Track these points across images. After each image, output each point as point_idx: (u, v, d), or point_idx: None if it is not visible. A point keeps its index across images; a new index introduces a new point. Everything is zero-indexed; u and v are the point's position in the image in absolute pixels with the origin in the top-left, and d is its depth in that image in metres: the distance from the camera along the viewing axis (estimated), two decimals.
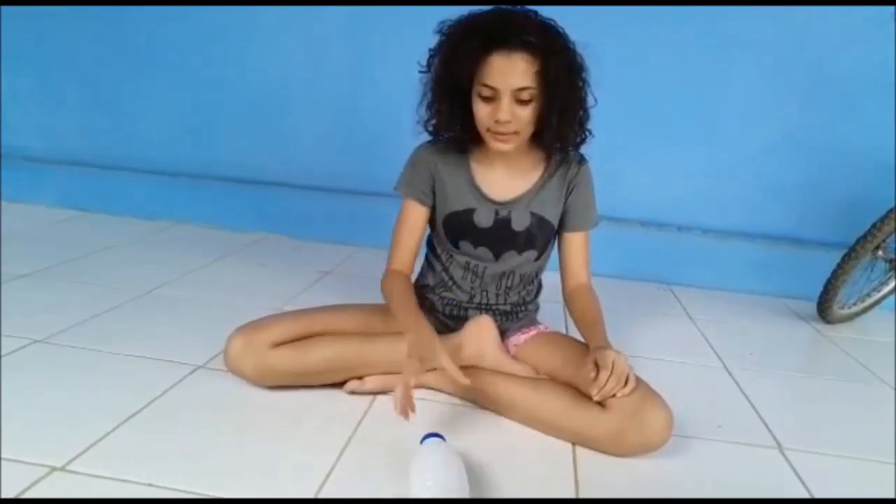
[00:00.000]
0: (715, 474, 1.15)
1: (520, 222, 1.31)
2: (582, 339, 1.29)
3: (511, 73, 1.12)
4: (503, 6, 1.18)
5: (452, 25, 1.19)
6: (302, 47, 2.47)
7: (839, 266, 1.96)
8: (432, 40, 1.21)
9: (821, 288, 2.01)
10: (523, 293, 1.41)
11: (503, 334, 1.38)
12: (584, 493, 1.05)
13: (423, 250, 1.43)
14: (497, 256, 1.33)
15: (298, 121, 2.53)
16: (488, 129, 1.19)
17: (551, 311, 1.51)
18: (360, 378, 1.30)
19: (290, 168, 2.58)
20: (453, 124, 1.24)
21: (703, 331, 1.93)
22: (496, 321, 1.36)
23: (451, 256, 1.36)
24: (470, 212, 1.31)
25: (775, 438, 1.30)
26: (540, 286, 1.46)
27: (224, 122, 2.59)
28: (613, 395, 1.12)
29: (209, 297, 1.81)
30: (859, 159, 2.25)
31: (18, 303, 1.63)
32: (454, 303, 1.38)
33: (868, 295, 2.12)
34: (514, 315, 1.41)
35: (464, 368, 1.29)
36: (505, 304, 1.39)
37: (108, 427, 1.10)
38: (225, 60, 2.53)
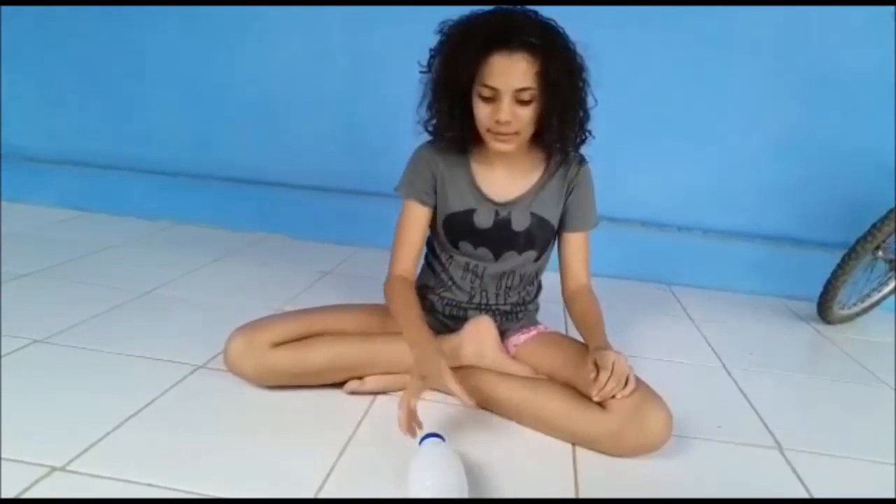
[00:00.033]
0: (715, 474, 1.15)
1: (520, 223, 1.31)
2: (582, 340, 1.29)
3: (512, 73, 1.12)
4: (504, 6, 1.18)
5: (453, 25, 1.19)
6: (302, 47, 2.47)
7: (839, 266, 1.96)
8: (433, 40, 1.21)
9: (821, 288, 2.02)
10: (523, 293, 1.41)
11: (503, 334, 1.38)
12: (584, 493, 1.05)
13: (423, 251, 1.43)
14: (497, 257, 1.33)
15: (298, 121, 2.53)
16: (489, 130, 1.19)
17: (551, 311, 1.51)
18: (360, 378, 1.30)
19: (290, 168, 2.58)
20: (453, 124, 1.24)
21: (703, 331, 1.93)
22: (496, 321, 1.36)
23: (450, 257, 1.36)
24: (470, 212, 1.31)
25: (775, 439, 1.30)
26: (540, 286, 1.46)
27: (224, 122, 2.59)
28: (613, 396, 1.12)
29: (209, 297, 1.81)
30: (859, 159, 2.25)
31: (18, 303, 1.63)
32: (454, 303, 1.38)
33: (868, 295, 2.12)
34: (513, 315, 1.41)
35: (463, 368, 1.30)
36: (505, 304, 1.39)
37: (108, 427, 1.10)
38: (225, 60, 2.54)
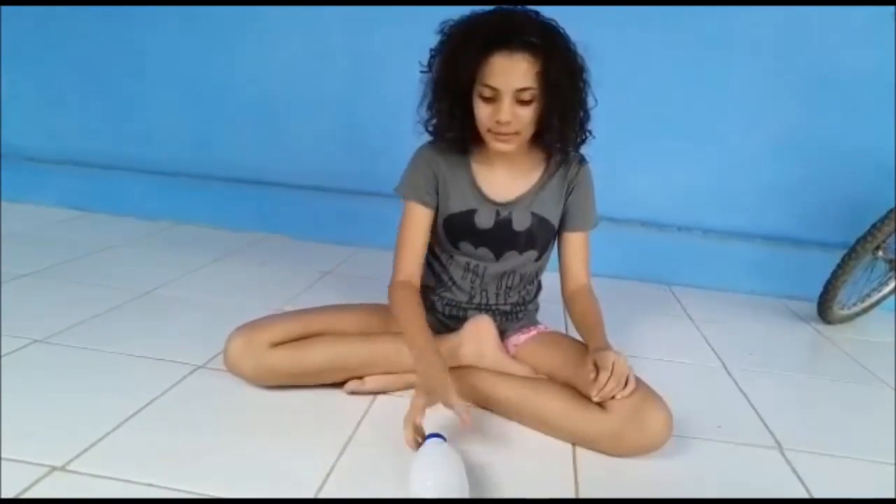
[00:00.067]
0: (715, 474, 1.15)
1: (521, 223, 1.31)
2: (582, 340, 1.29)
3: (512, 73, 1.12)
4: (504, 6, 1.18)
5: (454, 25, 1.19)
6: (302, 47, 2.47)
7: (839, 266, 1.96)
8: (433, 40, 1.21)
9: (821, 288, 2.02)
10: (523, 293, 1.41)
11: (503, 334, 1.38)
12: (585, 493, 1.05)
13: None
14: (498, 256, 1.33)
15: (298, 121, 2.53)
16: (489, 130, 1.19)
17: (551, 311, 1.51)
18: (359, 378, 1.30)
19: (290, 168, 2.58)
20: (454, 124, 1.23)
21: (703, 331, 1.93)
22: (496, 321, 1.36)
23: (450, 257, 1.36)
24: (471, 213, 1.30)
25: (775, 439, 1.30)
26: (539, 286, 1.46)
27: (224, 122, 2.59)
28: (613, 397, 1.12)
29: (209, 298, 1.81)
30: (859, 159, 2.25)
31: (18, 303, 1.63)
32: (454, 303, 1.38)
33: (868, 295, 2.12)
34: (513, 315, 1.41)
35: (463, 368, 1.30)
36: (505, 304, 1.39)
37: (108, 427, 1.10)
38: (225, 60, 2.54)
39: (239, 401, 1.25)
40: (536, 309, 1.47)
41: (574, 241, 1.36)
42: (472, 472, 1.05)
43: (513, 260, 1.34)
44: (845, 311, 2.08)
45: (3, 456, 0.99)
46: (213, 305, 1.75)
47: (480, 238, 1.31)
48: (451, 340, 1.31)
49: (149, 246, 2.30)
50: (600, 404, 1.14)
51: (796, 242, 2.35)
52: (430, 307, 1.39)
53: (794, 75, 2.23)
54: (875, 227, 1.90)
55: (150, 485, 0.96)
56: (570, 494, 1.05)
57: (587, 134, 1.26)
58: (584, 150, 1.31)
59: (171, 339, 1.49)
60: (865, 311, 2.12)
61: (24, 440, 1.04)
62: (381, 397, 1.30)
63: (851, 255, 1.93)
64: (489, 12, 1.16)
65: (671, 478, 1.12)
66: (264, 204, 2.59)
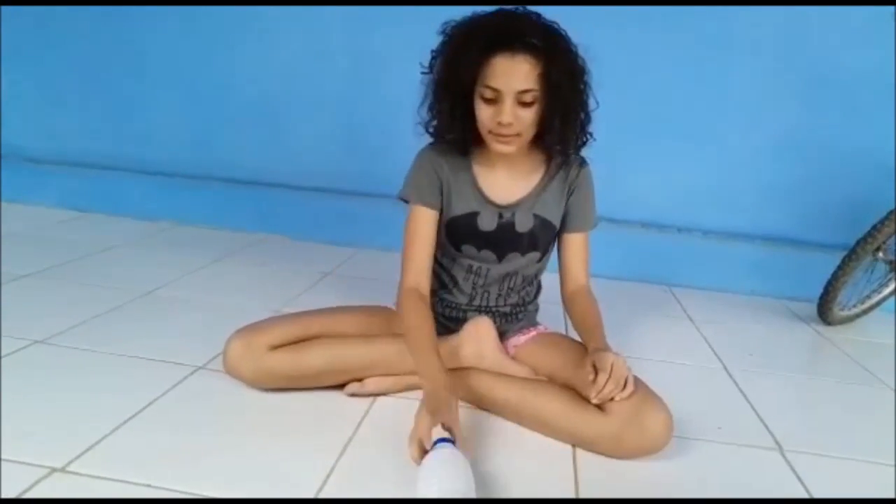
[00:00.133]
0: (715, 476, 1.15)
1: (523, 224, 1.31)
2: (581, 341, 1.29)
3: (514, 74, 1.12)
4: (506, 7, 1.17)
5: (455, 26, 1.18)
6: (302, 47, 2.47)
7: (839, 268, 1.96)
8: (433, 40, 1.21)
9: (821, 289, 2.01)
10: (522, 293, 1.41)
11: (503, 336, 1.38)
12: (585, 494, 1.05)
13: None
14: (500, 258, 1.33)
15: (298, 121, 2.53)
16: (490, 131, 1.19)
17: (551, 311, 1.51)
18: (359, 380, 1.30)
19: (290, 168, 2.58)
20: (455, 126, 1.23)
21: (704, 332, 1.93)
22: (496, 322, 1.36)
23: (452, 260, 1.36)
24: (474, 215, 1.30)
25: (775, 440, 1.30)
26: (539, 287, 1.46)
27: (224, 122, 2.59)
28: (612, 399, 1.11)
29: (209, 298, 1.81)
30: (859, 160, 2.25)
31: (18, 303, 1.63)
32: (453, 305, 1.38)
33: (868, 297, 2.12)
34: (513, 316, 1.41)
35: (463, 370, 1.30)
36: (504, 305, 1.39)
37: (108, 428, 1.10)
38: (225, 60, 2.54)
39: (239, 402, 1.25)
40: (536, 310, 1.47)
41: (574, 242, 1.36)
42: (473, 472, 1.05)
43: (515, 261, 1.34)
44: (845, 313, 2.08)
45: (3, 457, 0.99)
46: (214, 306, 1.75)
47: (483, 240, 1.31)
48: (450, 342, 1.31)
49: (149, 246, 2.30)
50: (600, 406, 1.14)
51: (796, 243, 2.35)
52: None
53: (794, 75, 2.23)
54: (875, 228, 1.90)
55: (149, 485, 0.96)
56: (571, 495, 1.05)
57: (588, 136, 1.26)
58: (584, 150, 1.31)
59: (172, 340, 1.49)
60: (865, 312, 2.12)
61: (25, 441, 1.04)
62: (381, 398, 1.30)
63: (851, 256, 1.93)
64: (491, 13, 1.16)
65: (671, 479, 1.12)
66: (264, 204, 2.59)
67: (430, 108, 1.24)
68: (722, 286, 2.36)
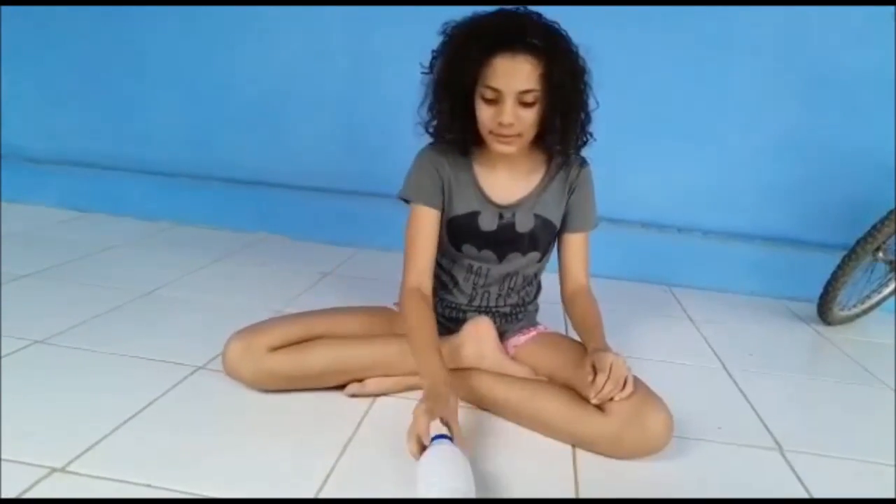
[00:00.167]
0: (715, 476, 1.15)
1: (524, 224, 1.31)
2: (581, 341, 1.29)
3: (515, 75, 1.12)
4: (507, 7, 1.17)
5: (456, 27, 1.18)
6: (302, 47, 2.47)
7: (839, 268, 1.96)
8: (433, 40, 1.21)
9: (821, 289, 2.01)
10: (522, 294, 1.41)
11: (503, 336, 1.38)
12: (585, 494, 1.05)
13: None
14: (501, 259, 1.33)
15: (298, 121, 2.53)
16: (491, 132, 1.19)
17: (551, 311, 1.51)
18: (360, 381, 1.30)
19: (290, 168, 2.58)
20: (455, 126, 1.23)
21: (704, 332, 1.93)
22: (496, 323, 1.36)
23: (453, 260, 1.36)
24: (474, 215, 1.30)
25: (775, 440, 1.30)
26: (539, 287, 1.46)
27: (224, 122, 2.59)
28: (611, 399, 1.11)
29: (209, 298, 1.81)
30: (859, 159, 2.25)
31: (18, 303, 1.63)
32: (453, 305, 1.38)
33: (868, 297, 2.11)
34: (513, 317, 1.41)
35: (463, 370, 1.30)
36: (504, 305, 1.39)
37: (108, 428, 1.10)
38: (225, 60, 2.54)
39: (239, 402, 1.25)
40: (536, 310, 1.47)
41: (574, 243, 1.36)
42: (471, 470, 1.05)
43: (515, 261, 1.34)
44: (845, 313, 2.08)
45: (3, 457, 0.99)
46: (214, 306, 1.75)
47: (484, 240, 1.31)
48: (451, 342, 1.31)
49: (149, 246, 2.30)
50: (599, 406, 1.14)
51: (796, 243, 2.35)
52: None
53: (794, 75, 2.23)
54: (875, 228, 1.90)
55: (149, 485, 0.96)
56: (571, 495, 1.05)
57: (588, 136, 1.26)
58: (584, 150, 1.31)
59: (172, 340, 1.49)
60: (865, 312, 2.12)
61: (25, 441, 1.04)
62: (381, 399, 1.30)
63: (851, 256, 1.93)
64: (492, 13, 1.16)
65: (671, 479, 1.12)
66: (264, 204, 2.59)
67: (430, 109, 1.24)
68: (722, 286, 2.36)
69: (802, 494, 1.12)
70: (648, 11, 2.21)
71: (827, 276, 1.99)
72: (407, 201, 1.32)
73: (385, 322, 1.37)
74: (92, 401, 1.19)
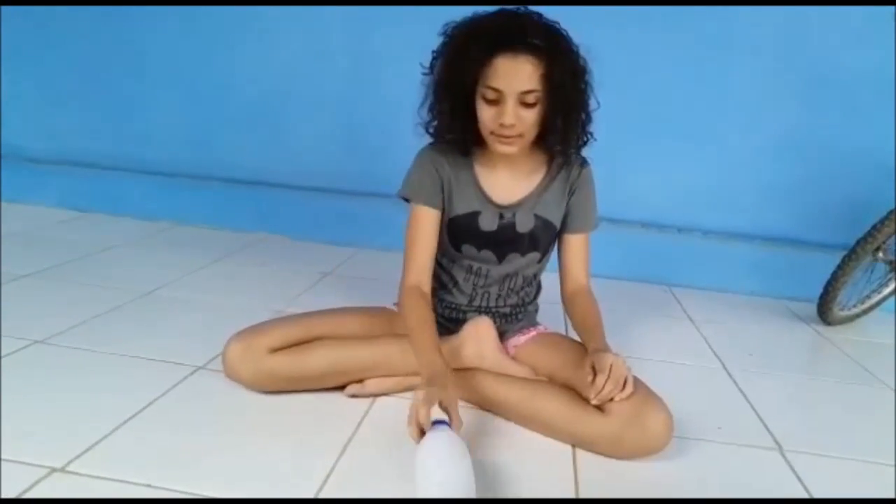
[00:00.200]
0: (715, 476, 1.15)
1: (524, 225, 1.31)
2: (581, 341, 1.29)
3: (516, 75, 1.12)
4: (508, 7, 1.17)
5: (457, 27, 1.18)
6: (302, 47, 2.47)
7: (839, 268, 1.96)
8: (433, 40, 1.21)
9: (821, 289, 2.01)
10: (522, 294, 1.41)
11: (503, 336, 1.38)
12: (585, 494, 1.05)
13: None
14: (500, 259, 1.33)
15: (298, 121, 2.53)
16: (492, 132, 1.18)
17: (551, 311, 1.51)
18: (360, 381, 1.30)
19: (290, 168, 2.58)
20: (455, 126, 1.23)
21: (703, 332, 1.93)
22: (496, 323, 1.36)
23: (452, 260, 1.36)
24: (474, 215, 1.30)
25: (775, 440, 1.30)
26: (539, 287, 1.46)
27: (224, 122, 2.59)
28: (611, 399, 1.11)
29: (209, 298, 1.81)
30: (859, 160, 2.25)
31: (18, 303, 1.63)
32: (453, 305, 1.38)
33: (868, 297, 2.11)
34: (513, 317, 1.40)
35: (464, 370, 1.30)
36: (504, 306, 1.39)
37: (108, 428, 1.10)
38: (225, 61, 2.54)
39: (239, 402, 1.25)
40: (536, 310, 1.47)
41: (575, 243, 1.36)
42: (470, 459, 1.04)
43: (515, 262, 1.34)
44: (845, 313, 2.08)
45: (3, 457, 0.99)
46: (214, 306, 1.75)
47: (483, 240, 1.31)
48: (451, 342, 1.31)
49: (149, 247, 2.30)
50: (599, 406, 1.14)
51: (796, 243, 2.35)
52: None
53: (794, 75, 2.23)
54: (875, 228, 1.90)
55: (149, 485, 0.96)
56: (571, 495, 1.05)
57: (589, 136, 1.26)
58: (584, 150, 1.31)
59: (172, 340, 1.49)
60: (865, 312, 2.12)
61: (24, 441, 1.04)
62: (381, 399, 1.30)
63: (851, 256, 1.93)
64: (493, 14, 1.16)
65: (671, 479, 1.12)
66: (264, 204, 2.59)
67: (431, 109, 1.24)
68: (722, 286, 2.36)
69: (802, 494, 1.12)
70: (648, 11, 2.21)
71: (827, 276, 1.99)
72: (407, 200, 1.32)
73: (385, 323, 1.37)
74: (92, 401, 1.19)
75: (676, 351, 1.75)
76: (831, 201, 2.31)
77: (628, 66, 2.22)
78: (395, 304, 1.39)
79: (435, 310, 1.38)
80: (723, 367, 1.67)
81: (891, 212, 1.88)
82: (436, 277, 1.39)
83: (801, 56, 2.21)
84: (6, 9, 2.60)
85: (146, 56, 2.58)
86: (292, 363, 1.24)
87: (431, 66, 1.22)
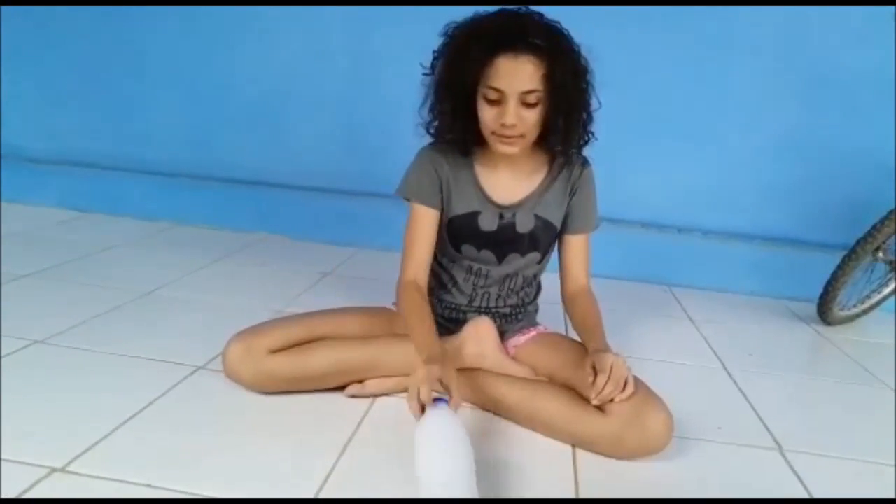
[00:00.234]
0: (715, 475, 1.15)
1: (524, 225, 1.31)
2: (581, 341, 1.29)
3: (518, 75, 1.12)
4: (509, 7, 1.17)
5: (458, 27, 1.18)
6: (302, 47, 2.47)
7: (839, 268, 1.96)
8: (433, 40, 1.21)
9: (821, 289, 2.01)
10: (522, 294, 1.41)
11: (502, 336, 1.38)
12: (585, 494, 1.05)
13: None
14: (500, 260, 1.33)
15: (298, 121, 2.53)
16: (493, 132, 1.18)
17: (551, 311, 1.51)
18: (360, 381, 1.30)
19: (290, 168, 2.58)
20: (456, 126, 1.23)
21: (703, 332, 1.93)
22: (496, 323, 1.36)
23: (452, 260, 1.36)
24: (474, 215, 1.30)
25: (775, 440, 1.30)
26: (539, 288, 1.46)
27: (224, 122, 2.59)
28: (612, 400, 1.11)
29: (210, 298, 1.81)
30: (859, 159, 2.25)
31: (18, 303, 1.63)
32: (453, 306, 1.38)
33: (868, 297, 2.11)
34: (513, 317, 1.40)
35: (464, 370, 1.29)
36: (504, 306, 1.39)
37: (108, 428, 1.10)
38: (225, 61, 2.54)
39: (239, 402, 1.24)
40: (536, 310, 1.47)
41: (575, 244, 1.36)
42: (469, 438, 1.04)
43: (515, 263, 1.34)
44: (845, 313, 2.08)
45: (3, 457, 0.99)
46: (214, 306, 1.75)
47: (484, 241, 1.31)
48: (451, 342, 1.31)
49: (149, 247, 2.30)
50: (600, 406, 1.14)
51: (796, 243, 2.35)
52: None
53: (794, 75, 2.23)
54: (875, 228, 1.90)
55: (149, 485, 0.96)
56: (571, 495, 1.05)
57: (590, 136, 1.26)
58: (584, 150, 1.31)
59: (172, 340, 1.49)
60: (865, 312, 2.12)
61: (24, 441, 1.04)
62: (381, 399, 1.30)
63: (851, 256, 1.93)
64: (494, 14, 1.15)
65: (671, 479, 1.12)
66: (264, 204, 2.59)
67: (432, 109, 1.24)
68: (722, 286, 2.36)
69: (802, 494, 1.12)
70: (648, 11, 2.21)
71: (827, 276, 1.99)
72: (406, 198, 1.33)
73: (385, 323, 1.37)
74: (92, 401, 1.19)
75: (676, 351, 1.75)
76: (831, 201, 2.31)
77: (628, 66, 2.22)
78: (394, 304, 1.39)
79: (435, 310, 1.38)
80: (723, 367, 1.67)
81: (891, 212, 1.88)
82: (436, 277, 1.39)
83: (801, 56, 2.21)
84: (6, 9, 2.60)
85: (146, 56, 2.58)
86: (293, 364, 1.24)
87: (432, 67, 1.22)
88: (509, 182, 1.31)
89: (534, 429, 1.22)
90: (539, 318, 1.47)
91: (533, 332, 1.39)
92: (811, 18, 2.17)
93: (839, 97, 2.22)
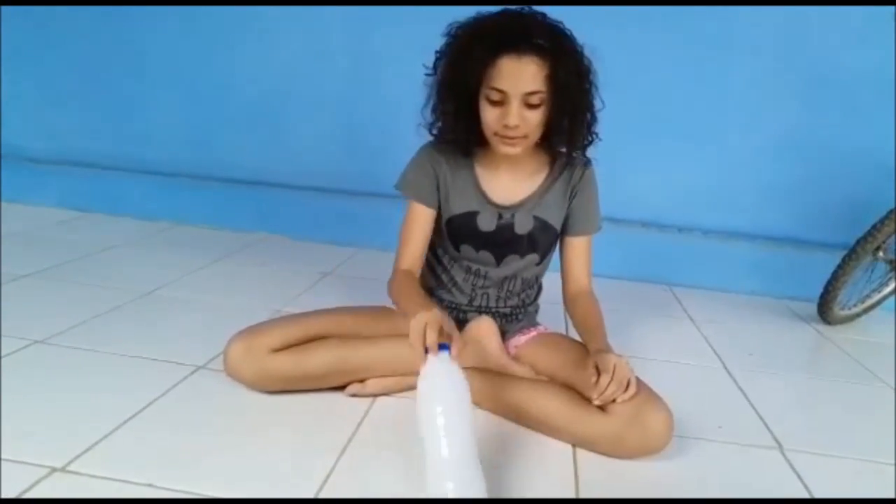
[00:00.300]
0: (716, 475, 1.15)
1: (523, 226, 1.31)
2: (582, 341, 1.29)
3: (521, 76, 1.11)
4: (511, 7, 1.16)
5: (460, 27, 1.18)
6: (302, 47, 2.47)
7: (839, 267, 1.96)
8: (434, 40, 1.21)
9: (821, 289, 2.01)
10: (522, 296, 1.40)
11: (503, 335, 1.38)
12: (585, 494, 1.05)
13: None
14: (499, 261, 1.33)
15: (298, 121, 2.53)
16: (496, 133, 1.18)
17: (552, 311, 1.51)
18: (361, 381, 1.30)
19: (290, 168, 2.58)
20: (459, 127, 1.23)
21: (704, 332, 1.93)
22: (496, 323, 1.36)
23: (452, 260, 1.36)
24: (473, 215, 1.30)
25: (776, 439, 1.30)
26: (540, 288, 1.46)
27: (224, 122, 2.59)
28: (614, 400, 1.11)
29: (210, 298, 1.81)
30: (859, 159, 2.25)
31: (18, 303, 1.63)
32: (453, 305, 1.38)
33: (868, 296, 2.12)
34: (513, 317, 1.40)
35: (466, 370, 1.29)
36: (505, 307, 1.39)
37: (108, 428, 1.10)
38: (225, 60, 2.54)
39: (239, 401, 1.24)
40: (536, 310, 1.47)
41: (577, 246, 1.36)
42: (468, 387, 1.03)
43: (514, 264, 1.34)
44: (846, 312, 2.08)
45: (3, 457, 0.99)
46: (214, 306, 1.75)
47: (482, 241, 1.31)
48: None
49: (149, 246, 2.30)
50: (601, 407, 1.14)
51: (796, 243, 2.35)
52: None
53: (794, 75, 2.23)
54: (875, 227, 1.90)
55: (150, 485, 0.96)
56: (571, 495, 1.05)
57: (593, 136, 1.26)
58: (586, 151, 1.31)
59: (172, 340, 1.49)
60: (866, 311, 2.12)
61: (25, 441, 1.04)
62: (381, 399, 1.30)
63: (851, 255, 1.93)
64: (496, 14, 1.15)
65: (672, 478, 1.12)
66: (264, 204, 2.59)
67: (434, 110, 1.24)
68: (722, 286, 2.36)
69: (803, 494, 1.12)
70: (648, 11, 2.21)
71: (827, 276, 2.00)
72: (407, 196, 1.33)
73: (386, 322, 1.36)
74: (92, 401, 1.19)
75: (677, 350, 1.75)
76: (831, 201, 2.31)
77: (628, 66, 2.22)
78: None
79: None
80: (723, 367, 1.67)
81: (891, 211, 1.88)
82: (436, 276, 1.39)
83: (801, 56, 2.21)
84: (6, 9, 2.60)
85: (146, 56, 2.58)
86: (294, 363, 1.24)
87: (435, 67, 1.21)
88: (509, 182, 1.31)
89: (534, 428, 1.22)
90: (540, 317, 1.47)
91: (533, 332, 1.39)
92: (811, 18, 2.17)
93: (839, 97, 2.22)
